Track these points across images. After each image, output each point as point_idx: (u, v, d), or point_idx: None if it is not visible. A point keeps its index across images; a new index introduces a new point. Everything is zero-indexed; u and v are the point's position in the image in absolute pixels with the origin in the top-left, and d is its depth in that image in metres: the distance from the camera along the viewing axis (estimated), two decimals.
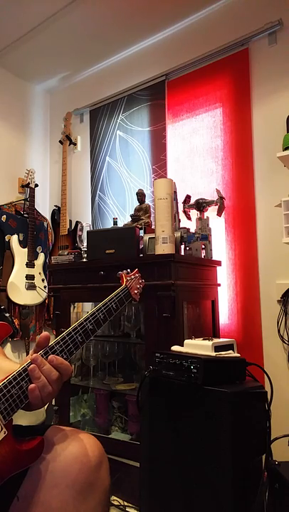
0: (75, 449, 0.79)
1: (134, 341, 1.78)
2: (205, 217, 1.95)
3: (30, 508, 0.75)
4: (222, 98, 2.12)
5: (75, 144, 2.81)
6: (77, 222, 2.61)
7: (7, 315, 2.20)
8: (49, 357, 0.80)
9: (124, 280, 1.17)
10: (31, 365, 0.78)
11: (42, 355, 0.80)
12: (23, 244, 2.43)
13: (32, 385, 0.77)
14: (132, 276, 1.21)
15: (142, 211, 1.98)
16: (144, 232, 1.86)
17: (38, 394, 0.77)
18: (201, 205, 1.98)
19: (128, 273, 1.22)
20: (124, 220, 2.39)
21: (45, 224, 2.68)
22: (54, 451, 0.79)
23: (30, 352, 0.84)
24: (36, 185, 2.60)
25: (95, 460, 0.79)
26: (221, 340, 1.25)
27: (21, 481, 0.77)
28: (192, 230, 1.95)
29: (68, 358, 0.85)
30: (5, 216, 2.44)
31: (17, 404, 0.76)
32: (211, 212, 1.98)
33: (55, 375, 0.79)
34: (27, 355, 2.40)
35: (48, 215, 2.84)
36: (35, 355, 0.80)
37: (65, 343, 0.85)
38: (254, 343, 1.89)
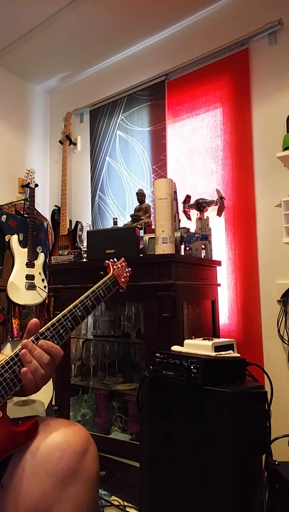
0: (58, 438, 0.80)
1: (134, 341, 1.78)
2: (205, 217, 1.95)
3: (12, 496, 0.76)
4: (222, 98, 2.12)
5: (75, 144, 2.81)
6: (77, 222, 2.61)
7: None
8: (39, 342, 0.84)
9: (111, 269, 1.20)
10: (22, 350, 0.82)
11: (33, 341, 0.84)
12: (23, 244, 2.43)
13: (24, 369, 0.80)
14: (119, 265, 1.25)
15: (142, 211, 1.98)
16: (144, 232, 1.86)
17: (31, 377, 0.80)
18: (201, 205, 1.98)
19: (114, 262, 1.25)
20: (124, 220, 2.39)
21: (45, 224, 2.68)
22: (36, 440, 0.80)
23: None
24: (36, 185, 2.60)
25: (78, 447, 0.79)
26: (221, 340, 1.25)
27: (4, 469, 0.78)
28: (192, 230, 1.95)
29: (59, 343, 0.88)
30: (5, 216, 2.44)
31: (10, 387, 0.80)
32: (211, 212, 1.98)
33: (46, 359, 0.82)
34: None
35: (48, 215, 2.84)
36: (25, 340, 0.83)
37: (55, 329, 0.89)
38: (254, 343, 1.89)
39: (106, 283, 1.11)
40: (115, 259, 1.27)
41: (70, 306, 0.95)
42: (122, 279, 1.21)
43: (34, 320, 0.86)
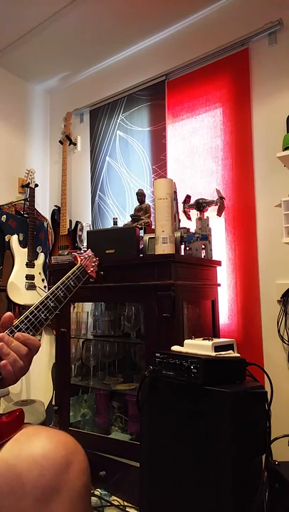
0: (36, 451, 0.74)
1: (134, 341, 1.78)
2: (205, 217, 1.95)
3: None
4: (222, 98, 2.12)
5: (75, 144, 2.81)
6: (77, 222, 2.61)
7: None
8: (15, 334, 0.84)
9: (79, 260, 1.28)
10: None
11: (8, 334, 0.85)
12: (23, 244, 2.43)
13: (3, 361, 0.80)
14: (86, 255, 1.33)
15: (142, 211, 1.98)
16: (144, 232, 1.86)
17: (10, 369, 0.80)
18: (201, 205, 1.98)
19: (81, 253, 1.34)
20: (124, 220, 2.39)
21: (45, 224, 2.68)
22: (14, 453, 0.75)
23: None
24: (36, 185, 2.60)
25: (59, 461, 0.73)
26: (221, 340, 1.25)
27: None
28: (192, 230, 1.95)
29: (35, 334, 0.90)
30: (5, 216, 2.44)
31: None
32: (211, 212, 1.98)
33: (24, 350, 0.83)
34: None
35: (48, 215, 2.84)
36: (1, 334, 0.83)
37: (29, 321, 0.91)
38: (254, 343, 1.89)
39: (75, 273, 1.17)
40: (82, 251, 1.39)
41: (42, 297, 0.98)
42: (91, 269, 1.31)
43: (8, 313, 0.86)
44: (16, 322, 0.88)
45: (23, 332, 0.87)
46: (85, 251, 1.40)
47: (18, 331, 0.86)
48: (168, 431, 1.17)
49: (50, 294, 1.01)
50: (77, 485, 0.74)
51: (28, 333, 0.88)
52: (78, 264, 1.24)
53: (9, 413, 0.80)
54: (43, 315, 0.94)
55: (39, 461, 0.72)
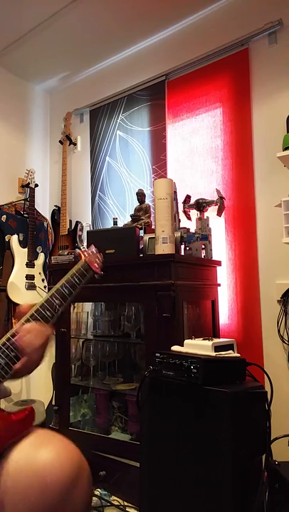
0: (42, 464, 0.69)
1: (134, 341, 1.78)
2: (205, 217, 1.95)
3: None
4: (222, 98, 2.12)
5: (75, 144, 2.81)
6: (77, 222, 2.61)
7: None
8: (24, 326, 0.87)
9: (83, 256, 1.27)
10: (15, 337, 0.84)
11: (24, 323, 0.87)
12: (23, 244, 2.43)
13: (22, 359, 0.82)
14: (90, 252, 1.32)
15: (142, 211, 1.98)
16: (144, 232, 1.86)
17: (25, 362, 0.82)
18: (201, 205, 1.98)
19: (86, 250, 1.34)
20: (124, 220, 2.39)
21: (45, 224, 2.68)
22: (20, 466, 0.71)
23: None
24: (36, 185, 2.60)
25: (63, 480, 0.68)
26: (221, 340, 1.25)
27: None
28: (192, 230, 1.95)
29: (49, 321, 0.93)
30: (5, 216, 2.44)
31: (2, 375, 0.81)
32: (211, 212, 1.98)
33: (37, 343, 0.84)
34: None
35: (48, 215, 2.84)
36: (15, 328, 0.86)
37: (36, 320, 0.92)
38: (254, 343, 1.89)
39: (79, 270, 1.16)
40: (86, 247, 1.37)
41: (47, 295, 0.99)
42: (95, 265, 1.28)
43: (26, 304, 0.89)
44: (31, 311, 0.89)
45: (39, 321, 0.88)
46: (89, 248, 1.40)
47: (33, 320, 0.87)
48: (168, 431, 1.17)
49: (55, 292, 1.02)
50: (80, 507, 0.71)
51: (44, 321, 0.90)
52: (82, 261, 1.23)
53: (18, 411, 0.80)
54: (48, 313, 0.95)
55: (44, 478, 0.68)
